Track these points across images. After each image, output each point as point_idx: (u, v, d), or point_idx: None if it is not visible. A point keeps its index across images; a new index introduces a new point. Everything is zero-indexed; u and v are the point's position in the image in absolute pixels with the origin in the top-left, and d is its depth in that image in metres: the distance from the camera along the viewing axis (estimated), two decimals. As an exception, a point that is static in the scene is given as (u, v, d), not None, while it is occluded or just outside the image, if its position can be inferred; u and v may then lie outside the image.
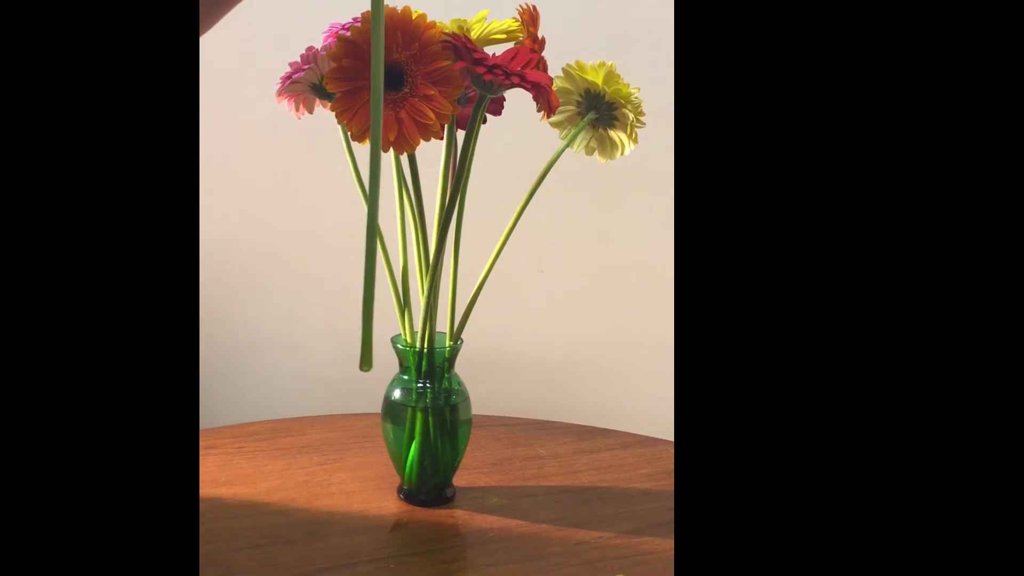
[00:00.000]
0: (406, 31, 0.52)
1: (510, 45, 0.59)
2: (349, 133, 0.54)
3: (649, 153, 0.69)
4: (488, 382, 0.85)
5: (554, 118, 0.63)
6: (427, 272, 0.62)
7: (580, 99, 0.62)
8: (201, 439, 0.75)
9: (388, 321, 0.67)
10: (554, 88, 0.59)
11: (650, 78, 0.64)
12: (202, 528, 0.60)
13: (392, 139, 0.52)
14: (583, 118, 0.62)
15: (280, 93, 0.62)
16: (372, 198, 0.42)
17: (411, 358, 0.64)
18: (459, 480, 0.69)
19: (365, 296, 0.43)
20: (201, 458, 0.72)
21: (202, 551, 0.58)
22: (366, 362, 0.42)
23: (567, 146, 0.62)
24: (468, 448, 0.67)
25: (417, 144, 0.53)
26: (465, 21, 0.60)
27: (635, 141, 0.62)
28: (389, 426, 0.65)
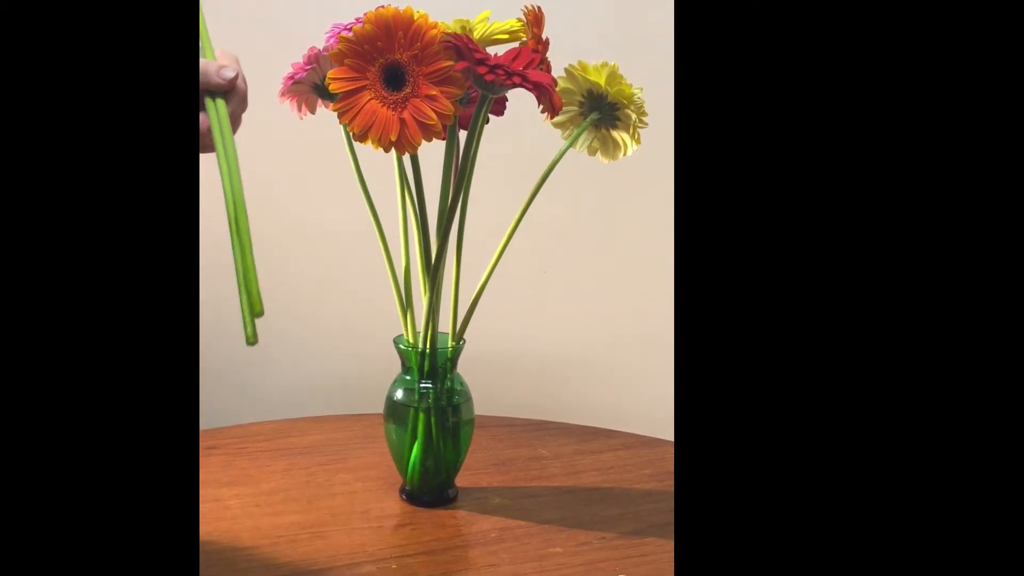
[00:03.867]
0: (408, 31, 0.52)
1: (513, 45, 0.59)
2: (351, 133, 0.54)
3: (651, 153, 0.68)
4: (490, 382, 0.85)
5: (557, 118, 0.63)
6: (429, 272, 0.62)
7: (583, 99, 0.62)
8: (204, 440, 0.75)
9: (390, 321, 0.67)
10: (557, 89, 0.59)
11: (653, 79, 0.64)
12: (204, 528, 0.60)
13: (394, 139, 0.52)
14: (586, 119, 0.62)
15: (283, 93, 0.62)
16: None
17: (413, 358, 0.64)
18: (461, 480, 0.68)
19: (243, 271, 0.45)
20: (204, 459, 0.72)
21: (204, 551, 0.58)
22: (249, 337, 0.43)
23: (570, 146, 0.62)
24: (470, 448, 0.67)
25: (419, 144, 0.53)
26: (468, 21, 0.60)
27: (638, 141, 0.62)
28: (391, 426, 0.65)
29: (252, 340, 0.45)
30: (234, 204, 0.47)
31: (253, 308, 0.45)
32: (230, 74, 0.48)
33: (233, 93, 0.49)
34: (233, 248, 0.46)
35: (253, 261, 0.46)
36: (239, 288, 0.46)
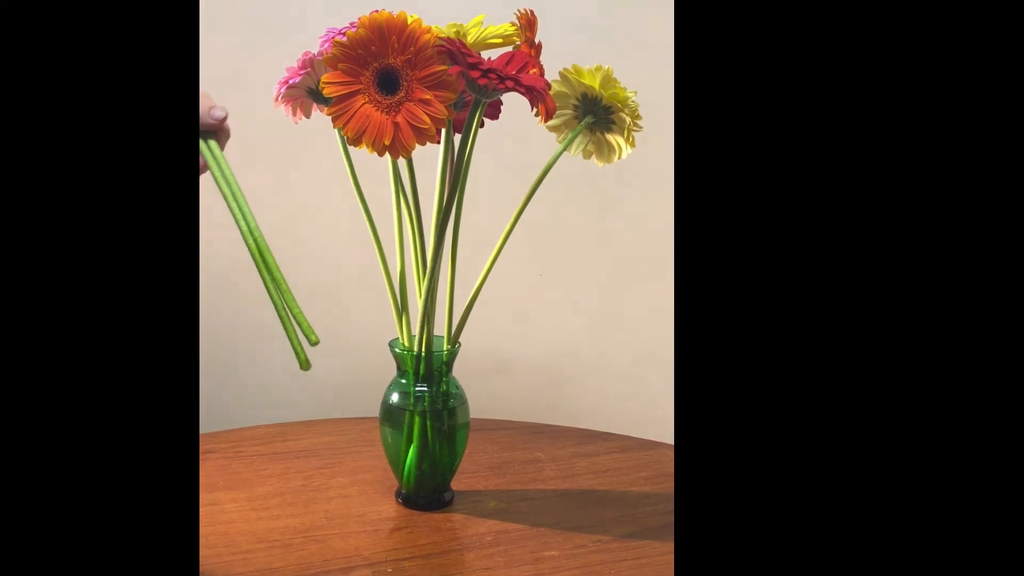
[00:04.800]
0: (401, 36, 0.52)
1: (507, 49, 0.59)
2: (345, 137, 0.54)
3: (646, 156, 0.69)
4: (486, 385, 0.85)
5: (551, 122, 0.63)
6: (425, 276, 0.62)
7: (577, 103, 0.62)
8: (200, 443, 0.75)
9: (386, 324, 0.67)
10: (551, 92, 0.59)
11: (647, 82, 0.64)
12: (200, 532, 0.60)
13: (388, 143, 0.53)
14: (580, 122, 0.62)
15: (278, 98, 0.63)
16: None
17: (409, 362, 0.64)
18: (457, 484, 0.69)
19: (277, 303, 0.48)
20: (200, 462, 0.72)
21: (200, 555, 0.58)
22: (303, 363, 0.47)
23: (564, 150, 0.62)
24: (466, 451, 0.67)
25: (413, 148, 0.53)
26: (461, 26, 0.60)
27: (632, 144, 0.62)
28: (387, 430, 0.65)
29: (307, 366, 0.48)
30: (256, 244, 0.49)
31: (309, 339, 0.48)
32: (221, 114, 0.50)
33: (222, 131, 0.51)
34: (266, 285, 0.48)
35: (292, 295, 0.49)
36: (282, 320, 0.48)
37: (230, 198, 0.50)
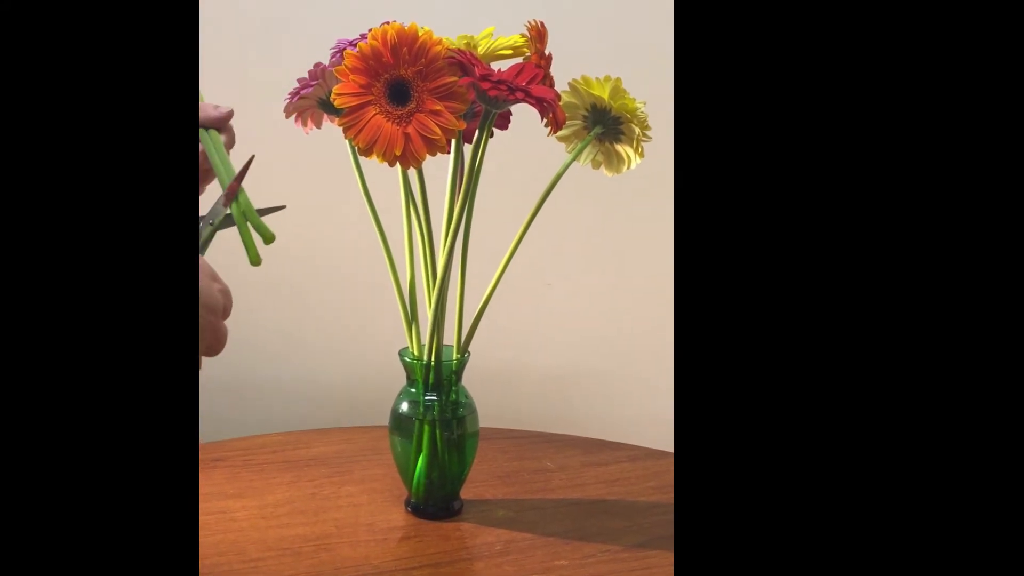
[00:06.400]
0: (413, 48, 0.53)
1: (517, 61, 0.59)
2: (356, 148, 0.54)
3: (655, 167, 0.69)
4: (495, 395, 0.85)
5: (561, 132, 0.63)
6: (434, 285, 0.62)
7: (586, 113, 0.62)
8: (210, 452, 0.76)
9: (395, 334, 0.67)
10: (561, 103, 0.60)
11: (656, 93, 0.65)
12: (210, 540, 0.61)
13: (399, 154, 0.53)
14: (589, 132, 0.62)
15: (289, 109, 0.63)
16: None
17: (418, 371, 0.64)
18: (466, 493, 0.69)
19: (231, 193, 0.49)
20: (210, 471, 0.72)
21: (210, 563, 0.58)
22: (253, 259, 0.49)
23: (574, 160, 0.62)
24: (475, 461, 0.67)
25: (424, 159, 0.54)
26: (472, 37, 0.60)
27: (641, 155, 0.62)
28: (397, 439, 0.65)
29: (257, 261, 0.49)
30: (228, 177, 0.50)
31: (265, 238, 0.49)
32: (224, 110, 0.53)
33: (226, 130, 0.53)
34: (220, 176, 0.51)
35: (247, 195, 0.50)
36: (236, 220, 0.49)
37: (216, 159, 0.51)
